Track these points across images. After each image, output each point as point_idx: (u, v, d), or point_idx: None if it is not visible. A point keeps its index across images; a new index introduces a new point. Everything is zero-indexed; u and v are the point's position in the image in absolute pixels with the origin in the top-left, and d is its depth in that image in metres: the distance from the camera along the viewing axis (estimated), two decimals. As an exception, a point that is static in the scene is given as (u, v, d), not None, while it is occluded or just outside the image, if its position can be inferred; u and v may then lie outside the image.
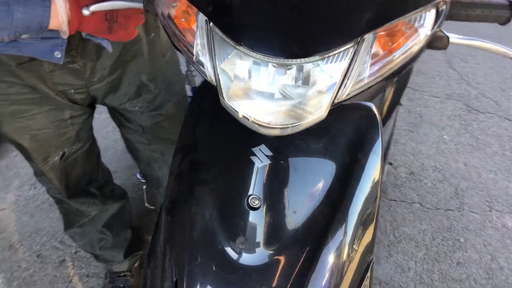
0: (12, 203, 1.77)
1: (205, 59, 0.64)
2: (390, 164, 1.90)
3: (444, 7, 0.67)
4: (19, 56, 0.83)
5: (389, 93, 1.14)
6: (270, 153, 0.72)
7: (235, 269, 0.72)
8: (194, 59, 0.66)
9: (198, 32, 0.65)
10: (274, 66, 0.61)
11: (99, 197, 1.27)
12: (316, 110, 0.63)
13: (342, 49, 0.60)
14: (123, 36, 0.83)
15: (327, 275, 0.71)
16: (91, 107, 1.09)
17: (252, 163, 0.72)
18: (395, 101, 1.21)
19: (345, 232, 0.73)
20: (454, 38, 0.71)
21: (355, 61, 0.61)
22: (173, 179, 0.82)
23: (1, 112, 0.94)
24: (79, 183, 1.19)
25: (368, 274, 0.78)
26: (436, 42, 0.70)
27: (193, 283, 0.71)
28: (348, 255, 0.73)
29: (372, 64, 0.64)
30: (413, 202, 1.78)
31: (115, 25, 0.81)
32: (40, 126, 0.99)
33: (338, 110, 0.68)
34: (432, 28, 0.67)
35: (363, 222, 0.75)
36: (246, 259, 0.72)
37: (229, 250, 0.73)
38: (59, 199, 1.23)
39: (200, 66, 0.65)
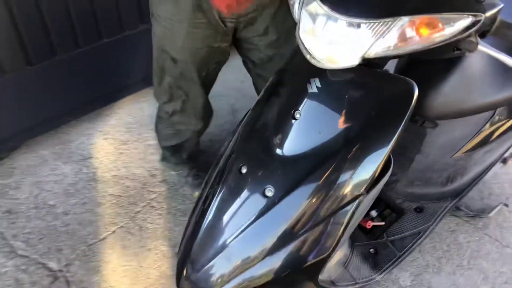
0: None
1: (295, 3, 0.97)
2: (506, 205, 1.89)
3: (481, 19, 0.85)
4: None
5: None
6: (319, 85, 1.01)
7: (272, 155, 1.04)
8: (290, 2, 0.99)
9: None
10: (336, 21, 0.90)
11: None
12: (351, 58, 0.90)
13: (383, 20, 0.86)
14: None
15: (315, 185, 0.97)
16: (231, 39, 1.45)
17: (306, 88, 1.02)
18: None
19: (347, 164, 0.97)
20: (483, 47, 0.88)
21: (387, 32, 0.86)
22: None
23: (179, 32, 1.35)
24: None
25: (352, 209, 0.99)
26: (465, 44, 0.88)
27: (246, 157, 1.06)
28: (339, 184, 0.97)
29: (400, 40, 0.87)
30: (508, 246, 1.77)
31: None
32: (200, 46, 1.41)
33: (379, 77, 0.93)
34: (463, 33, 0.86)
35: (367, 161, 0.98)
36: (279, 150, 1.04)
37: (271, 142, 1.05)
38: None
39: (291, 7, 0.98)
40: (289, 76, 1.11)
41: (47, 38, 1.90)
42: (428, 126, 1.39)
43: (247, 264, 1.02)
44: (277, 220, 1.01)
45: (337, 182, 0.98)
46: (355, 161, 0.97)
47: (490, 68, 1.28)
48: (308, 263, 1.02)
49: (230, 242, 1.03)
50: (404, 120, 0.96)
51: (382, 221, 1.50)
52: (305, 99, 1.02)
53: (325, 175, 0.98)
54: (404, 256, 1.44)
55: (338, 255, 1.34)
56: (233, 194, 1.07)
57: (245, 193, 1.05)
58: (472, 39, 0.89)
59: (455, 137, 1.41)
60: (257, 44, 1.44)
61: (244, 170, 1.06)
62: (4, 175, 2.01)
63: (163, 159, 1.99)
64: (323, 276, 1.17)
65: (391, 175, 1.48)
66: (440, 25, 0.85)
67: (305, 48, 0.94)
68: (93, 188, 1.98)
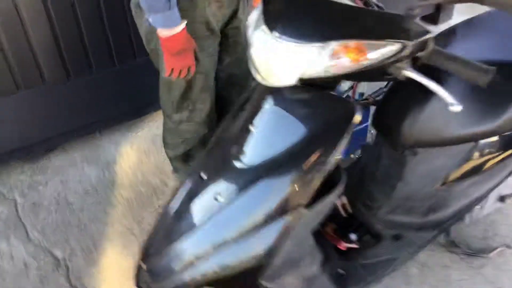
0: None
1: (249, 27, 1.07)
2: (509, 247, 1.83)
3: (407, 46, 0.91)
4: None
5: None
6: (272, 102, 1.09)
7: (227, 164, 1.14)
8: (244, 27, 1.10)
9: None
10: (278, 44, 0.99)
11: None
12: (289, 77, 0.99)
13: (317, 44, 0.95)
14: None
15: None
16: None
17: (261, 105, 1.11)
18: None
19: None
20: (408, 72, 0.93)
21: (319, 55, 0.95)
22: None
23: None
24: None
25: (291, 219, 1.05)
26: (392, 69, 0.94)
27: (208, 165, 1.17)
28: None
29: (331, 63, 0.95)
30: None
31: None
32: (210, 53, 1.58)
33: (324, 98, 1.01)
34: (390, 59, 0.92)
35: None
36: (234, 160, 1.13)
37: (228, 152, 1.15)
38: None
39: (245, 31, 1.09)
40: (254, 93, 1.21)
41: (86, 56, 2.15)
42: (408, 154, 1.42)
43: (195, 262, 1.11)
44: (223, 224, 1.09)
45: (279, 194, 1.05)
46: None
47: (469, 98, 1.30)
48: (248, 267, 1.09)
49: (183, 240, 1.13)
50: (343, 139, 1.03)
51: (360, 245, 1.52)
52: (259, 115, 1.12)
53: (268, 186, 1.06)
54: (373, 281, 1.45)
55: (304, 270, 1.38)
56: (192, 197, 1.17)
57: (201, 197, 1.15)
58: (400, 65, 0.94)
59: (435, 167, 1.42)
60: None
61: (204, 177, 1.17)
62: (38, 172, 2.25)
63: (175, 170, 2.13)
64: (274, 285, 1.22)
65: (374, 201, 1.53)
66: (366, 50, 0.92)
67: (254, 67, 1.04)
68: (110, 190, 2.16)
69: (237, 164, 1.11)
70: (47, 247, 1.89)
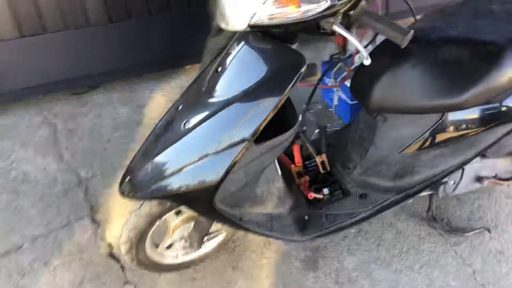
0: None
1: None
2: (488, 231, 1.87)
3: (335, 4, 1.03)
4: None
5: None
6: (235, 47, 1.25)
7: (198, 98, 1.32)
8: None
9: None
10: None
11: None
12: (241, 22, 1.14)
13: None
14: None
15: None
16: None
17: (227, 49, 1.27)
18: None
19: (239, 111, 1.21)
20: (336, 27, 1.05)
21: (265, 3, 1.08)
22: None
23: None
24: None
25: (239, 150, 1.21)
26: (323, 23, 1.06)
27: (184, 99, 1.35)
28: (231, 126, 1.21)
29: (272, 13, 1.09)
30: (469, 265, 1.77)
31: None
32: None
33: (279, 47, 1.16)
34: (321, 13, 1.05)
35: (255, 114, 1.20)
36: (203, 95, 1.31)
37: (200, 89, 1.33)
38: None
39: None
40: (226, 40, 1.37)
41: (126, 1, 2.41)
42: (379, 120, 1.53)
43: (162, 178, 1.30)
44: (187, 146, 1.28)
45: (230, 124, 1.22)
46: (245, 111, 1.20)
47: (436, 72, 1.39)
48: (203, 187, 1.27)
49: (155, 159, 1.33)
50: (290, 85, 1.17)
51: (328, 198, 1.66)
52: (225, 57, 1.28)
53: (224, 120, 1.23)
54: (331, 230, 1.59)
55: (271, 208, 1.54)
56: (168, 124, 1.36)
57: (174, 123, 1.34)
58: (331, 19, 1.06)
59: (403, 134, 1.51)
60: None
61: (179, 108, 1.36)
62: (79, 105, 2.57)
63: None
64: (233, 211, 1.41)
65: (351, 162, 1.66)
66: (301, 3, 1.05)
67: (219, 12, 1.20)
68: (136, 129, 2.43)
69: (205, 99, 1.29)
70: (74, 167, 2.19)
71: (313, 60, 2.16)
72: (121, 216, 1.89)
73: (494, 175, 1.75)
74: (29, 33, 2.29)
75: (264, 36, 1.21)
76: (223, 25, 1.18)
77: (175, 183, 1.28)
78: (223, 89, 1.26)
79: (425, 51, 1.42)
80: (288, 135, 1.29)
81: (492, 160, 1.70)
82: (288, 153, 1.69)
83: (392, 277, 1.73)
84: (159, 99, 2.64)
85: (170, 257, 1.66)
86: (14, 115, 2.49)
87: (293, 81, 1.17)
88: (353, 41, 1.04)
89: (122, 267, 1.75)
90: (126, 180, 1.36)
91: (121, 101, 2.61)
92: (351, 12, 1.07)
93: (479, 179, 1.72)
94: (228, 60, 1.26)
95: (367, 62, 1.06)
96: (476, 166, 1.68)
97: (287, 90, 1.17)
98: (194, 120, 1.27)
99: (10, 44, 2.29)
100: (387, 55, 1.44)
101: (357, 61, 1.88)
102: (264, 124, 1.20)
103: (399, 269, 1.75)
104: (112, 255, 1.79)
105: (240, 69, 1.24)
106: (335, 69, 2.24)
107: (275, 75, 1.19)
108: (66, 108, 2.55)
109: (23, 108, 2.53)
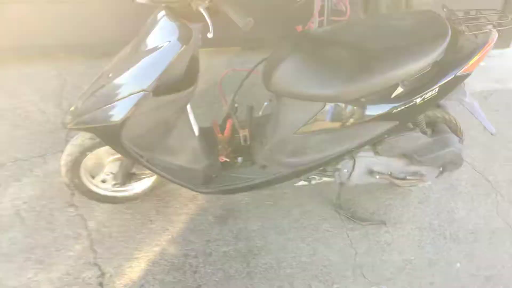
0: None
1: None
2: (384, 224, 2.09)
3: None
4: None
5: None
6: (151, 19, 1.61)
7: (126, 55, 1.70)
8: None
9: None
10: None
11: None
12: None
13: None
14: None
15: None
16: None
17: (149, 22, 1.64)
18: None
19: (141, 63, 1.57)
20: (200, 8, 1.38)
21: None
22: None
23: None
24: None
25: (136, 99, 1.57)
26: (193, 3, 1.39)
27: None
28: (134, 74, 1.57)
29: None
30: (355, 249, 2.00)
31: None
32: None
33: (176, 22, 1.52)
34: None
35: (150, 68, 1.55)
36: (130, 52, 1.68)
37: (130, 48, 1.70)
38: None
39: None
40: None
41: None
42: (280, 103, 1.82)
43: (86, 112, 1.66)
44: (107, 92, 1.64)
45: (134, 76, 1.57)
46: (147, 65, 1.55)
47: (320, 67, 1.66)
48: (111, 125, 1.62)
49: (88, 96, 1.69)
50: (177, 52, 1.51)
51: (240, 164, 1.97)
52: (145, 28, 1.63)
53: (132, 70, 1.57)
54: (229, 189, 1.90)
55: (185, 161, 1.87)
56: (104, 73, 1.72)
57: (105, 73, 1.69)
58: (198, 2, 1.38)
59: (296, 117, 1.79)
60: None
61: (114, 61, 1.74)
62: (90, 68, 3.03)
63: None
64: (143, 152, 1.75)
65: (264, 138, 1.96)
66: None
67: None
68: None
69: (128, 55, 1.65)
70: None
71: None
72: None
73: (389, 172, 1.98)
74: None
75: (174, 15, 1.54)
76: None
77: (90, 119, 1.64)
78: (140, 50, 1.61)
79: (316, 48, 1.70)
80: (183, 94, 1.63)
81: (386, 158, 1.92)
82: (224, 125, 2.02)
83: (283, 243, 2.00)
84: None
85: (104, 190, 2.04)
86: (36, 66, 3.01)
87: (180, 48, 1.50)
88: (207, 19, 1.37)
89: (73, 194, 2.16)
90: (71, 110, 1.73)
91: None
92: (214, -1, 1.39)
93: (371, 172, 1.95)
94: (145, 30, 1.62)
95: (210, 35, 1.38)
96: (369, 160, 1.91)
97: (171, 53, 1.51)
98: (117, 72, 1.64)
99: (42, 5, 2.82)
100: (289, 48, 1.74)
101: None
102: (161, 79, 1.54)
103: (291, 238, 2.02)
104: (67, 183, 2.21)
105: (153, 34, 1.58)
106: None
107: (172, 41, 1.52)
108: (79, 68, 3.02)
109: (45, 61, 3.04)
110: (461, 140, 1.95)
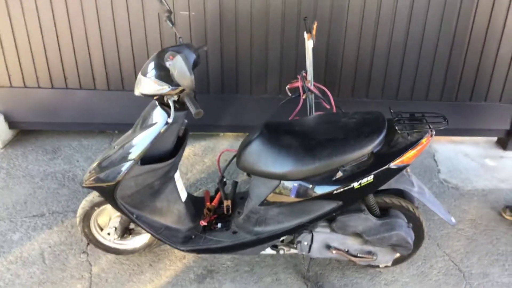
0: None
1: None
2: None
3: (169, 89, 1.85)
4: None
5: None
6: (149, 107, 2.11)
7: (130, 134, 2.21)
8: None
9: None
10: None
11: None
12: (136, 91, 2.02)
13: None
14: None
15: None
16: None
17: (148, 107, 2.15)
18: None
19: (132, 140, 2.05)
20: (170, 101, 1.84)
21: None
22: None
23: None
24: None
25: (126, 166, 2.04)
26: (166, 98, 1.86)
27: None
28: (126, 148, 2.06)
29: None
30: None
31: None
32: None
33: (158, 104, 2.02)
34: (165, 93, 1.87)
35: (136, 145, 2.02)
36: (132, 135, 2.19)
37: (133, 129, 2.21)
38: None
39: None
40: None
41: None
42: (251, 178, 2.19)
43: (94, 175, 2.16)
44: (109, 160, 2.13)
45: (127, 149, 2.05)
46: (137, 141, 2.02)
47: (273, 151, 2.02)
48: (106, 184, 2.08)
49: (99, 163, 2.21)
50: (158, 131, 1.96)
51: (219, 228, 2.31)
52: (144, 112, 2.13)
53: (128, 144, 2.06)
54: (202, 249, 2.22)
55: (170, 221, 2.26)
56: (111, 147, 2.24)
57: (110, 148, 2.21)
58: (169, 96, 1.84)
59: (259, 191, 2.13)
60: None
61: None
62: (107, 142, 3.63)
63: None
64: (133, 209, 2.17)
65: (241, 209, 2.32)
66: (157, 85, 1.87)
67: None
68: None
69: (130, 134, 2.15)
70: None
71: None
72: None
73: (346, 249, 2.19)
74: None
75: (162, 104, 2.02)
76: (136, 92, 2.05)
77: (96, 180, 2.11)
78: (138, 128, 2.10)
79: (275, 135, 2.07)
80: (164, 165, 2.06)
81: (342, 236, 2.16)
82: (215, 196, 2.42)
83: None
84: (186, 151, 3.56)
85: (108, 241, 2.46)
86: (93, 139, 3.68)
87: (163, 128, 1.96)
88: (171, 106, 1.82)
89: (88, 243, 2.61)
90: (95, 172, 2.23)
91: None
92: (181, 94, 1.85)
93: (329, 247, 2.18)
94: (145, 113, 2.11)
95: (170, 120, 1.83)
96: (326, 236, 2.16)
97: (155, 131, 1.96)
98: (120, 145, 2.13)
99: (103, 92, 3.55)
100: (255, 134, 2.13)
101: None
102: (147, 151, 2.00)
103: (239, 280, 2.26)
104: (85, 233, 2.67)
105: (148, 117, 2.06)
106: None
107: (158, 123, 1.98)
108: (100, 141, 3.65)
109: (101, 136, 3.71)
110: (409, 225, 2.13)
